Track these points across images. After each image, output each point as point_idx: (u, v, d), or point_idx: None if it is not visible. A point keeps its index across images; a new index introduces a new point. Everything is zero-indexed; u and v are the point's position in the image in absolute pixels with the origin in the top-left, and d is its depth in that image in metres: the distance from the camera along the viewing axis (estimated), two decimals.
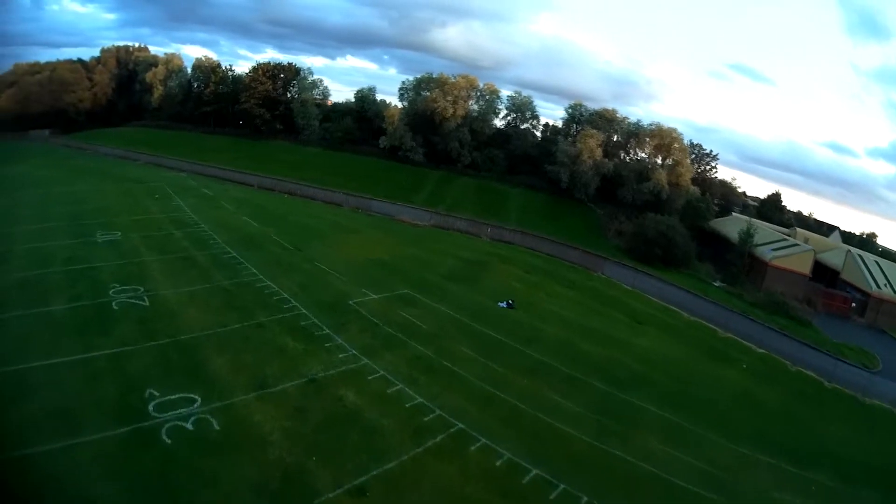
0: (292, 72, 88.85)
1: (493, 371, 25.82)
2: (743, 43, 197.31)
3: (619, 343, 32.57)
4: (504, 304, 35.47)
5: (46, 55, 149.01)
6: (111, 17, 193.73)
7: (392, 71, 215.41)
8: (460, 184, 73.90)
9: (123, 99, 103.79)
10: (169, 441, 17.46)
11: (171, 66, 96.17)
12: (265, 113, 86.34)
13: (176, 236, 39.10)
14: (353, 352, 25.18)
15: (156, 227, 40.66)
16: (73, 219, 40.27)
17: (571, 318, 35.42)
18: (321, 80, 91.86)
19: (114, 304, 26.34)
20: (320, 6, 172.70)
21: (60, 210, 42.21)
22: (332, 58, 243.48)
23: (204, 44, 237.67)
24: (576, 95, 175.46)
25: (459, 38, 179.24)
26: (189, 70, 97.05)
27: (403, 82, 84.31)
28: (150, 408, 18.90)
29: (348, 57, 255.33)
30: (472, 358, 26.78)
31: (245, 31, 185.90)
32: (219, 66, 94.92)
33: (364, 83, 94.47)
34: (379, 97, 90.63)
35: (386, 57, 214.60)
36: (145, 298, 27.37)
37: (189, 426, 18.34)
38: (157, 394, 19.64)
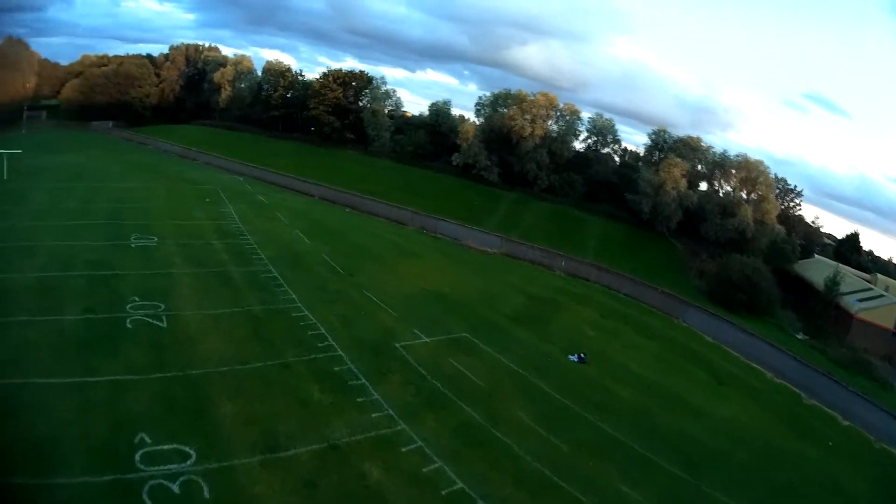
0: (364, 80, 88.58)
1: (554, 448, 22.10)
2: (817, 73, 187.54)
3: (698, 412, 29.13)
4: (575, 358, 31.78)
5: (119, 50, 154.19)
6: (189, 17, 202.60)
7: (472, 87, 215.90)
8: (535, 208, 69.92)
9: (192, 97, 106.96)
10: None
11: (241, 67, 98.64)
12: (334, 121, 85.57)
13: (215, 247, 37.68)
14: (390, 412, 22.03)
15: (197, 235, 39.70)
16: (113, 217, 40.26)
17: (649, 378, 31.77)
18: (394, 91, 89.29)
19: (128, 321, 24.81)
20: (400, 19, 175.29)
21: (102, 206, 42.56)
22: (412, 70, 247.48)
23: (283, 49, 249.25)
24: (653, 121, 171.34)
25: (539, 57, 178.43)
26: (259, 72, 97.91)
27: (480, 97, 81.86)
28: (138, 457, 16.61)
29: (428, 70, 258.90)
30: (531, 428, 23.12)
31: (324, 38, 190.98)
32: (289, 70, 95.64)
33: (443, 97, 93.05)
34: (455, 112, 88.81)
35: (466, 72, 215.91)
36: (164, 319, 25.69)
37: (175, 488, 15.83)
38: (148, 440, 17.33)
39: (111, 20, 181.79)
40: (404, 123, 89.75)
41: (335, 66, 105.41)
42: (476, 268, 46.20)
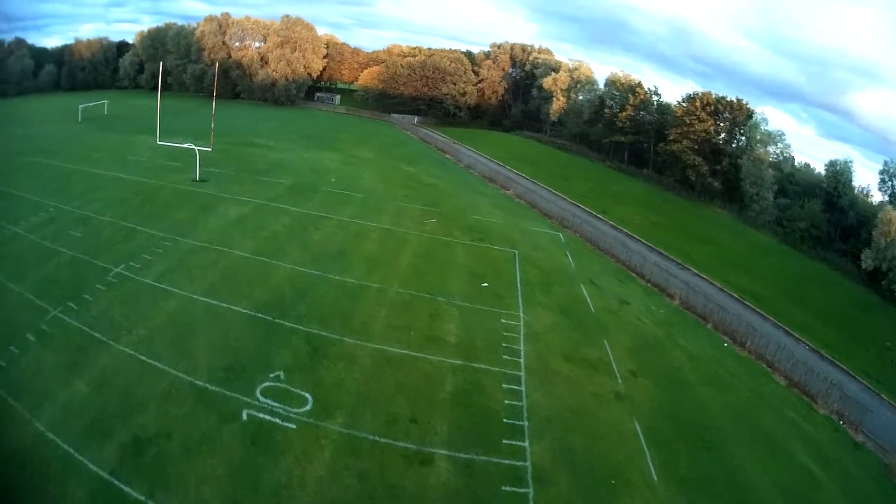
0: (742, 112, 62.77)
1: None
2: None
3: None
4: None
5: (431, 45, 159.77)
6: (531, 27, 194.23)
7: (809, 130, 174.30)
8: None
9: (517, 103, 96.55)
10: None
11: (578, 75, 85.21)
12: (701, 164, 64.14)
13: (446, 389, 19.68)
14: None
15: (422, 355, 22.12)
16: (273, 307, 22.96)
17: None
18: (781, 135, 64.53)
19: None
20: (741, 50, 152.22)
21: (275, 280, 27.04)
22: (753, 105, 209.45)
23: (626, 69, 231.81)
24: None
25: (874, 106, 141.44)
26: (601, 85, 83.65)
27: (887, 163, 56.71)
28: None
29: (768, 107, 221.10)
30: None
31: (668, 63, 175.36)
32: (639, 85, 76.80)
33: (843, 156, 67.38)
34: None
35: (804, 115, 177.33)
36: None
37: None
38: None
39: (445, 20, 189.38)
40: (788, 181, 64.71)
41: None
42: None
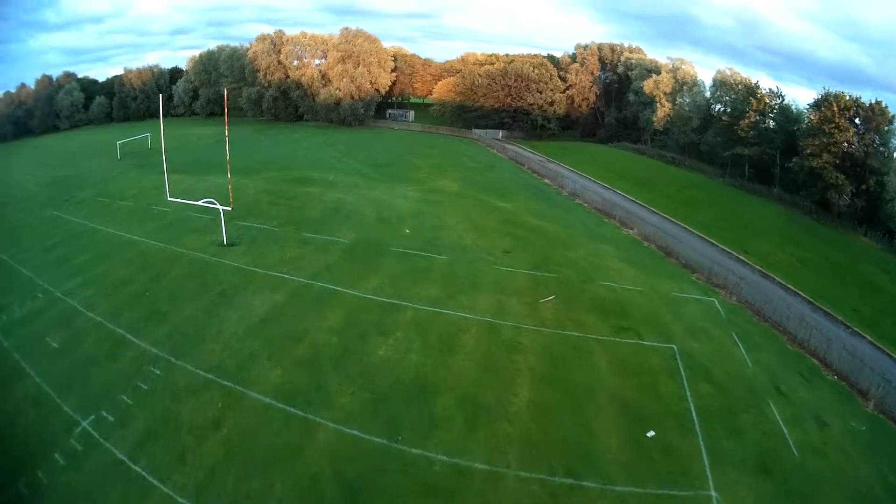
0: (884, 118, 47.86)
1: None
2: None
3: None
4: None
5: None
6: (598, 28, 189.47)
7: None
8: None
9: (611, 110, 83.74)
10: None
11: (681, 75, 70.50)
12: (845, 183, 48.71)
13: None
14: None
15: None
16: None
17: None
18: None
19: None
20: (810, 37, 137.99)
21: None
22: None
23: (697, 63, 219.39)
24: None
25: None
26: (707, 86, 69.27)
27: None
28: None
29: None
30: None
31: (737, 55, 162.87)
32: (757, 86, 59.93)
33: None
34: None
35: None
36: None
37: None
38: None
39: (512, 27, 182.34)
40: None
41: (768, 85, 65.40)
42: None
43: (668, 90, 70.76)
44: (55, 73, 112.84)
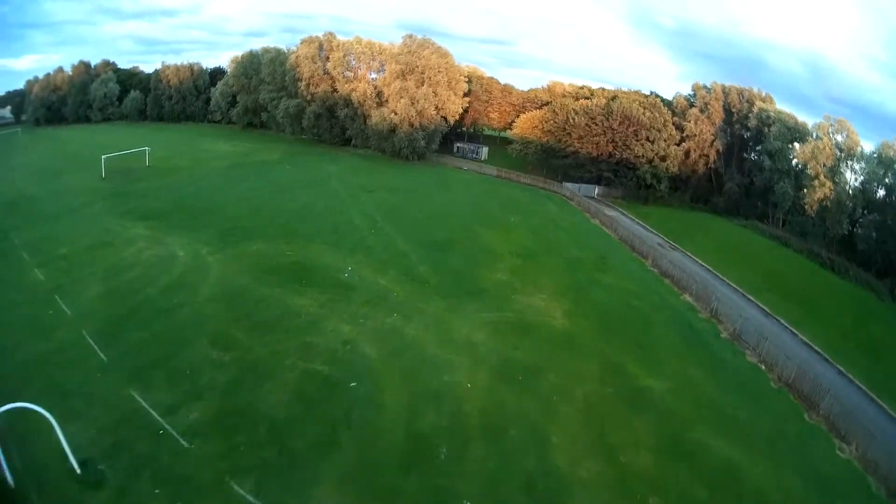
0: None
1: None
2: None
3: None
4: None
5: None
6: (674, 67, 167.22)
7: None
8: None
9: (733, 172, 62.43)
10: None
11: (849, 143, 51.11)
12: None
13: None
14: None
15: None
16: None
17: None
18: None
19: None
20: (878, 89, 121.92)
21: None
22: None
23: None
24: None
25: None
26: (866, 155, 50.59)
27: None
28: None
29: None
30: None
31: (805, 103, 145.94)
32: None
33: None
34: None
35: None
36: None
37: None
38: None
39: (585, 58, 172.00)
40: None
41: None
42: None
43: (828, 162, 51.11)
44: (124, 62, 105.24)
